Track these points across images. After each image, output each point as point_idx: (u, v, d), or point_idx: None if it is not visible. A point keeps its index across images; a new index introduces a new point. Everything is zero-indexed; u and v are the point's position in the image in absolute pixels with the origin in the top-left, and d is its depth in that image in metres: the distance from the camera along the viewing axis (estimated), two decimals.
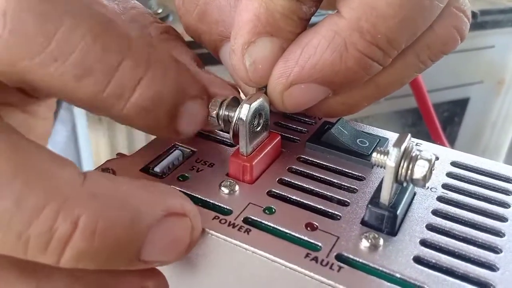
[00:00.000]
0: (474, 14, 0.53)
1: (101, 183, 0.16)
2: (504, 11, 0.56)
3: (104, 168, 0.20)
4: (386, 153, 0.17)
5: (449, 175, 0.21)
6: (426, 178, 0.17)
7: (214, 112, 0.20)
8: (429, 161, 0.17)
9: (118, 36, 0.17)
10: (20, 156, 0.15)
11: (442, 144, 0.53)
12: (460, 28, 0.20)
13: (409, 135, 0.17)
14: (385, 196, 0.17)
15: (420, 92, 0.52)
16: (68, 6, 0.16)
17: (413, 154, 0.17)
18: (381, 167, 0.17)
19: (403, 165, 0.17)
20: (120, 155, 0.22)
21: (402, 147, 0.17)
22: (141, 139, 0.46)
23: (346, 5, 0.18)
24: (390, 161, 0.17)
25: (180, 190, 0.19)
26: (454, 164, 0.21)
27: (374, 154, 0.18)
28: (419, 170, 0.17)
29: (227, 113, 0.20)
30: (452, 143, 0.64)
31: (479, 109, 0.62)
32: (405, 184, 0.17)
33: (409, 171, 0.17)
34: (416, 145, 0.22)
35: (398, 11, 0.17)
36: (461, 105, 0.61)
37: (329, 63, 0.18)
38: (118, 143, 0.45)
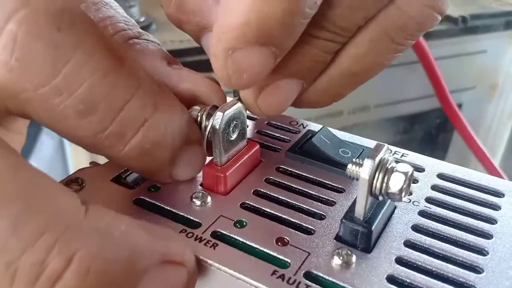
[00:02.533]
0: (464, 19, 0.52)
1: (103, 218, 0.14)
2: (496, 15, 0.55)
3: (73, 178, 0.20)
4: (361, 165, 0.16)
5: (434, 188, 0.19)
6: (402, 192, 0.16)
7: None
8: (405, 174, 0.16)
9: (128, 74, 0.16)
10: (20, 178, 0.14)
11: (493, 170, 0.50)
12: (435, 5, 0.18)
13: (386, 145, 0.16)
14: (359, 210, 0.16)
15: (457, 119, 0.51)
16: (81, 37, 0.15)
17: (389, 166, 0.16)
18: (356, 179, 0.16)
19: (378, 177, 0.16)
20: (93, 163, 0.21)
21: (377, 159, 0.16)
22: None
23: None
24: (364, 173, 0.16)
25: (149, 201, 0.19)
26: (440, 176, 0.20)
27: (349, 166, 0.17)
28: (395, 184, 0.16)
29: (203, 121, 0.19)
30: (445, 150, 0.62)
31: (472, 115, 0.61)
32: (381, 198, 0.16)
33: (384, 184, 0.16)
34: (402, 156, 0.21)
35: None
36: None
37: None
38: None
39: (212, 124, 0.19)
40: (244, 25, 0.16)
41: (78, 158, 0.45)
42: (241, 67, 0.17)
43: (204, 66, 0.42)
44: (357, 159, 0.17)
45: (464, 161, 0.55)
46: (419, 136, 0.60)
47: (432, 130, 0.61)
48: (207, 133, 0.19)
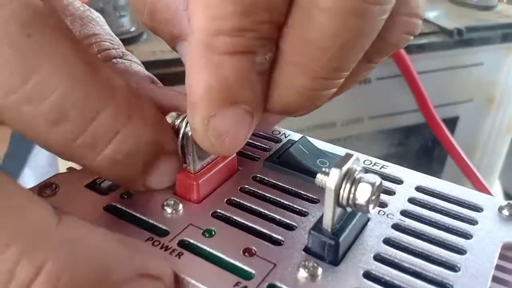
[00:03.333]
0: (460, 31, 0.51)
1: (76, 229, 0.14)
2: (492, 28, 0.54)
3: (48, 183, 0.19)
4: (328, 174, 0.16)
5: (411, 200, 0.19)
6: (370, 203, 0.15)
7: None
8: (372, 184, 0.15)
9: (102, 83, 0.16)
10: None
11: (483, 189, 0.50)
12: (412, 31, 0.18)
13: (355, 155, 0.16)
14: (327, 222, 0.16)
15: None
16: (52, 44, 0.15)
17: (356, 176, 0.16)
18: (324, 189, 0.16)
19: (345, 187, 0.15)
20: (70, 169, 0.21)
21: (344, 168, 0.15)
22: None
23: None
24: (330, 182, 0.15)
25: (119, 208, 0.19)
26: (419, 189, 0.20)
27: (318, 175, 0.16)
28: (361, 194, 0.15)
29: (181, 128, 0.19)
30: (442, 164, 0.61)
31: (470, 128, 0.59)
32: (349, 209, 0.16)
33: (351, 195, 0.15)
34: (382, 167, 0.21)
35: (334, 40, 0.15)
36: (450, 124, 0.59)
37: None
38: None
39: (184, 131, 0.18)
40: (208, 92, 0.16)
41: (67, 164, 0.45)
42: (221, 132, 0.16)
43: None
44: (326, 169, 0.16)
45: (461, 174, 0.54)
46: (415, 148, 0.59)
47: (428, 143, 0.60)
48: (179, 139, 0.19)
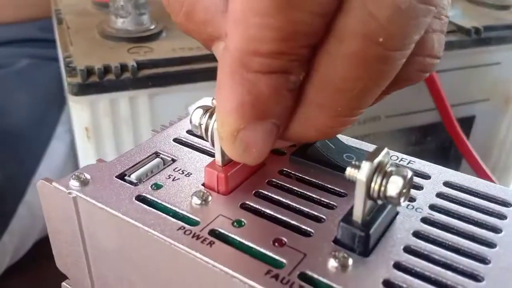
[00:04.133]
0: (477, 30, 0.51)
1: None
2: (510, 27, 0.54)
3: (80, 173, 0.20)
4: (359, 167, 0.16)
5: (439, 195, 0.19)
6: (400, 195, 0.15)
7: (197, 121, 0.20)
8: (404, 177, 0.15)
9: None
10: None
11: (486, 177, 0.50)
12: (427, 70, 0.18)
13: (386, 149, 0.16)
14: (357, 213, 0.16)
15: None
16: None
17: (388, 170, 0.16)
18: (354, 182, 0.16)
19: (376, 180, 0.16)
20: (100, 161, 0.21)
21: (375, 161, 0.16)
22: None
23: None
24: (361, 175, 0.15)
25: (150, 198, 0.19)
26: (446, 184, 0.20)
27: (348, 168, 0.16)
28: (393, 187, 0.15)
29: (208, 121, 0.19)
30: (458, 163, 0.61)
31: (486, 128, 0.59)
32: (379, 202, 0.16)
33: (382, 188, 0.16)
34: (409, 163, 0.21)
35: (356, 84, 0.16)
36: (467, 123, 0.58)
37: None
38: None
39: (213, 128, 0.19)
40: (240, 106, 0.16)
41: (86, 160, 0.45)
42: (248, 145, 0.17)
43: (210, 74, 0.42)
44: (356, 162, 0.16)
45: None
46: (432, 147, 0.59)
47: (445, 142, 0.60)
48: (209, 133, 0.19)
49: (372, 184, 0.16)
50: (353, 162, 0.16)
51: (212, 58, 0.43)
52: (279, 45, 0.15)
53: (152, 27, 0.47)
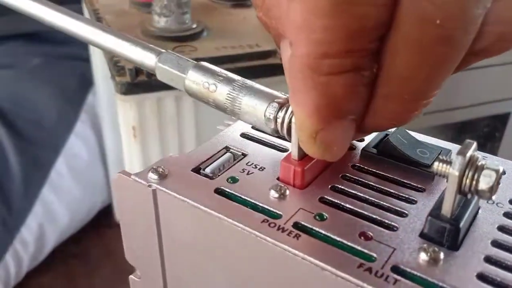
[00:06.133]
0: None
1: None
2: None
3: (157, 167, 0.20)
4: (449, 162, 0.16)
5: None
6: (492, 189, 0.15)
7: (272, 115, 0.20)
8: (496, 171, 0.15)
9: None
10: None
11: None
12: (508, 38, 0.17)
13: (475, 143, 0.16)
14: (447, 208, 0.16)
15: None
16: None
17: (479, 164, 0.16)
18: (443, 176, 0.16)
19: (468, 174, 0.16)
20: (172, 155, 0.22)
21: (467, 155, 0.16)
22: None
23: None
24: (454, 169, 0.16)
25: (229, 192, 0.19)
26: None
27: (436, 163, 0.17)
28: (485, 181, 0.15)
29: (284, 116, 0.20)
30: None
31: None
32: (469, 196, 0.16)
33: (474, 182, 0.16)
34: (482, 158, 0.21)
35: (420, 70, 0.16)
36: (501, 120, 0.58)
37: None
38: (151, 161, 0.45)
39: (289, 124, 0.19)
40: (316, 111, 0.16)
41: (131, 159, 0.46)
42: (329, 144, 0.17)
43: (256, 72, 0.43)
44: (444, 157, 0.17)
45: None
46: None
47: (480, 139, 0.59)
48: (285, 127, 0.19)
49: (464, 179, 0.16)
50: (441, 157, 0.16)
51: (255, 56, 0.44)
52: (347, 43, 0.15)
53: (194, 26, 0.47)
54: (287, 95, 0.20)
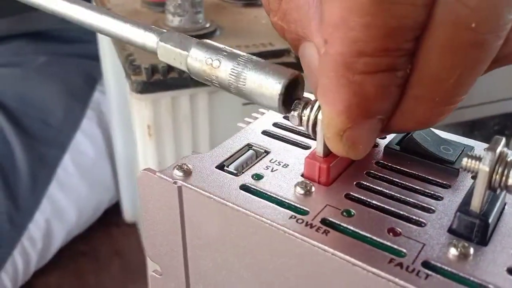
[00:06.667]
0: None
1: None
2: None
3: (181, 164, 0.20)
4: (479, 158, 0.16)
5: None
6: None
7: (297, 112, 0.20)
8: None
9: None
10: None
11: None
12: None
13: (504, 139, 0.16)
14: (476, 203, 0.16)
15: None
16: None
17: (509, 159, 0.16)
18: (472, 172, 0.16)
19: (498, 170, 0.16)
20: (194, 153, 0.22)
21: (497, 151, 0.16)
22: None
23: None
24: (484, 165, 0.16)
25: (255, 189, 0.19)
26: None
27: (465, 159, 0.17)
28: None
29: (310, 113, 0.19)
30: None
31: None
32: (498, 191, 0.16)
33: (503, 177, 0.16)
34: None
35: (452, 72, 0.16)
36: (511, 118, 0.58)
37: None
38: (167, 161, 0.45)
39: (315, 121, 0.19)
40: (347, 109, 0.16)
41: (146, 157, 0.46)
42: (355, 142, 0.17)
43: None
44: (472, 153, 0.17)
45: None
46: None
47: (491, 137, 0.59)
48: (310, 124, 0.19)
49: (494, 174, 0.16)
50: (469, 153, 0.17)
51: (269, 55, 0.44)
52: (384, 42, 0.15)
53: (207, 25, 0.47)
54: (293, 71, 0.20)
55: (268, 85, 0.19)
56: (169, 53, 0.21)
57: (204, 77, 0.20)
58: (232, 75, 0.19)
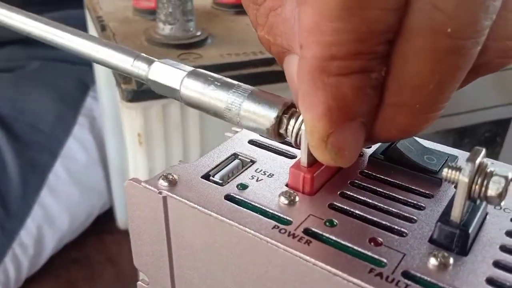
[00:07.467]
0: None
1: None
2: None
3: (166, 174, 0.20)
4: (459, 168, 0.16)
5: None
6: (502, 195, 0.16)
7: (282, 124, 0.20)
8: (505, 178, 0.16)
9: None
10: None
11: None
12: (509, 55, 0.17)
13: (484, 150, 0.16)
14: (456, 213, 0.16)
15: None
16: None
17: (488, 170, 0.16)
18: (452, 183, 0.17)
19: (477, 181, 0.16)
20: (181, 162, 0.22)
21: (477, 162, 0.16)
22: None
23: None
24: (464, 176, 0.16)
25: (239, 198, 0.19)
26: None
27: (445, 169, 0.17)
28: (494, 187, 0.16)
29: (294, 124, 0.20)
30: None
31: None
32: (478, 202, 0.16)
33: (483, 188, 0.16)
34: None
35: (431, 78, 0.16)
36: (502, 125, 0.58)
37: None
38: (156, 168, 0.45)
39: (298, 130, 0.19)
40: (327, 112, 0.16)
41: (136, 165, 0.46)
42: (340, 148, 0.17)
43: (258, 79, 0.43)
44: (453, 163, 0.17)
45: None
46: (468, 150, 0.59)
47: (481, 144, 0.60)
48: (294, 134, 0.20)
49: (473, 185, 0.16)
50: (450, 164, 0.17)
51: (259, 63, 0.44)
52: (356, 46, 0.15)
53: (199, 33, 0.47)
54: (288, 98, 0.20)
55: (263, 115, 0.20)
56: (161, 88, 0.23)
57: (199, 106, 0.21)
58: (227, 106, 0.20)
